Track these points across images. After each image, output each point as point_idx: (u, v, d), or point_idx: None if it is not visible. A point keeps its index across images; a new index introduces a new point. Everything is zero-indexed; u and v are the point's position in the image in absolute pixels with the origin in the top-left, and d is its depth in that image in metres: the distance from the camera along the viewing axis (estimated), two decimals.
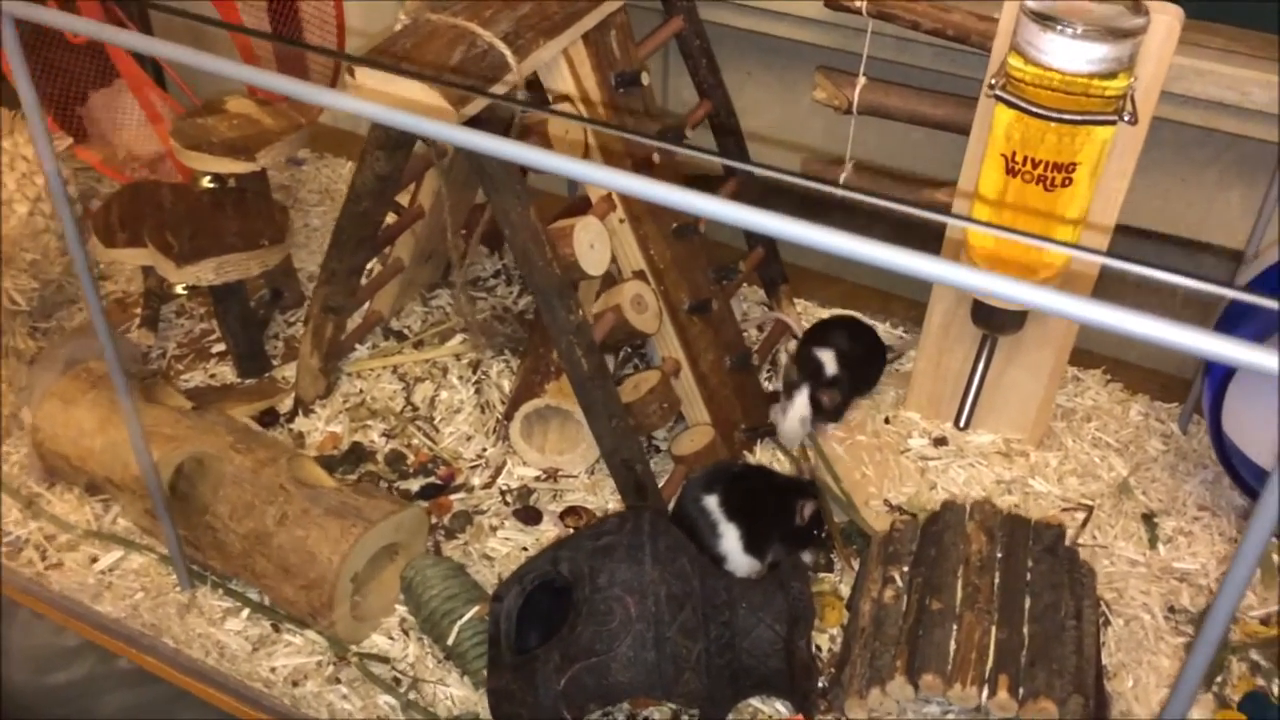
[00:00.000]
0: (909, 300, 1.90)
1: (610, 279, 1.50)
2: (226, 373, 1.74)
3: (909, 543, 1.36)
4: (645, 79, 1.42)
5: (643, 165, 1.44)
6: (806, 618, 1.18)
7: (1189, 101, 1.55)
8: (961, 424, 1.51)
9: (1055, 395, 1.59)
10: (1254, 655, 1.33)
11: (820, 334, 1.65)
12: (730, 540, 1.36)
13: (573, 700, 1.13)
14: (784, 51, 1.87)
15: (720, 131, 1.68)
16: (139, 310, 1.79)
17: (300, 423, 1.65)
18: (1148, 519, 1.53)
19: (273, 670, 1.31)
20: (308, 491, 1.34)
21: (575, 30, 1.34)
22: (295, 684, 1.30)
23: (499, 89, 1.24)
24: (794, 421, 1.56)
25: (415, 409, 1.68)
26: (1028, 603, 1.24)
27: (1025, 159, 1.27)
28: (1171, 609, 1.40)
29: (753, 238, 1.77)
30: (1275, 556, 1.47)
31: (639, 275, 1.48)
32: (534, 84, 1.39)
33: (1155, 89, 1.29)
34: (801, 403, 1.56)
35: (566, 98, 1.37)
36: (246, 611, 1.36)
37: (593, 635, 1.12)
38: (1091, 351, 1.86)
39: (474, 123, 1.23)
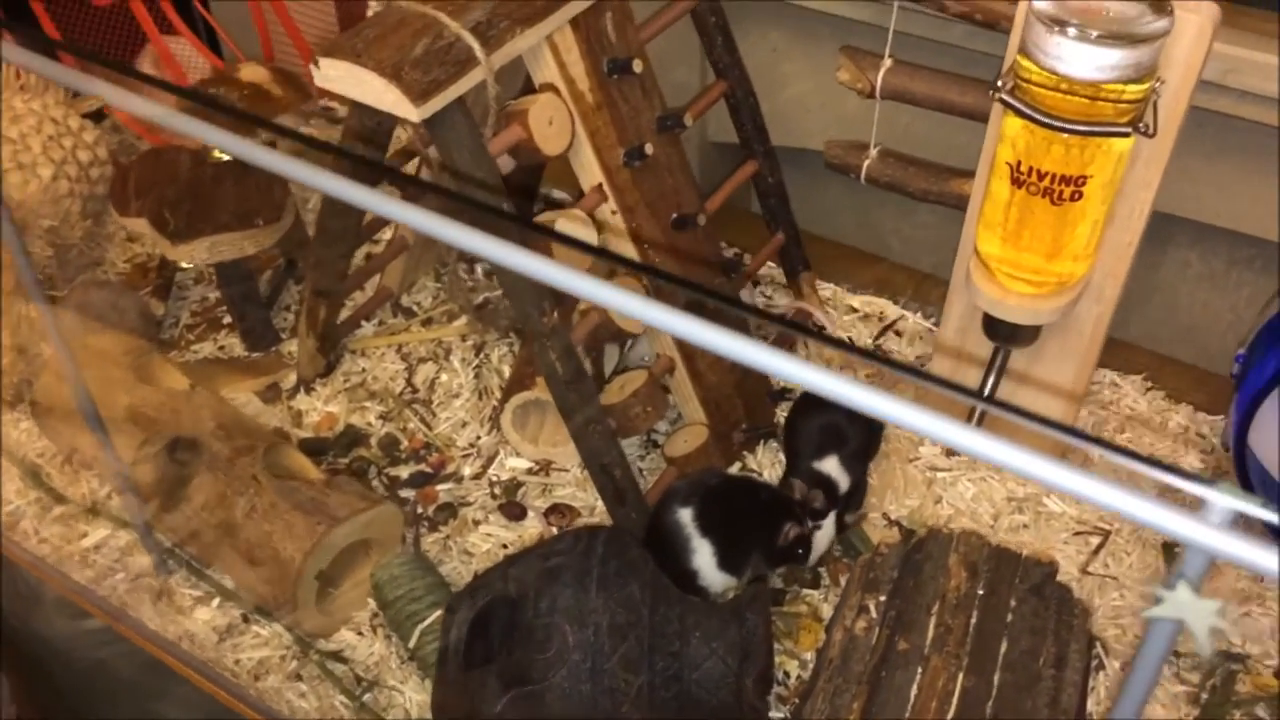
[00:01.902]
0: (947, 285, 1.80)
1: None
2: (236, 345, 1.73)
3: (891, 569, 1.29)
4: (638, 66, 1.34)
5: (636, 155, 1.37)
6: (757, 655, 1.13)
7: (1247, 97, 1.41)
8: None
9: (1078, 407, 1.48)
10: (1260, 712, 1.24)
11: (812, 436, 1.44)
12: (703, 556, 1.31)
13: None
14: (816, 23, 1.75)
15: (738, 111, 1.59)
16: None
17: (301, 400, 1.64)
18: (1169, 547, 1.43)
19: (237, 662, 1.31)
20: (279, 485, 1.33)
21: (561, 15, 1.26)
22: (258, 678, 1.30)
23: (467, 81, 1.18)
24: (824, 547, 1.39)
25: (415, 391, 1.66)
26: (1004, 647, 1.17)
27: (1030, 169, 1.16)
28: (1176, 652, 1.30)
29: (774, 221, 1.69)
30: None
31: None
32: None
33: (1184, 94, 1.16)
34: (828, 531, 1.38)
35: (551, 87, 1.30)
36: (217, 601, 1.37)
37: (529, 662, 1.09)
38: (1137, 346, 1.74)
39: (442, 116, 1.17)
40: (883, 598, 1.26)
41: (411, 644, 1.28)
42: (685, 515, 1.31)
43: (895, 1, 1.45)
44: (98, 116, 2.08)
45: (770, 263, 1.78)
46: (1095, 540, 1.44)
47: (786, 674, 1.28)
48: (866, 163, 1.56)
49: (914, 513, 1.47)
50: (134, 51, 2.13)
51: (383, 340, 1.72)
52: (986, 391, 1.40)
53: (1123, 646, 1.31)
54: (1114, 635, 1.32)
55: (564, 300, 1.54)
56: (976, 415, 1.35)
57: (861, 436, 1.45)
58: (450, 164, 1.21)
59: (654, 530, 1.34)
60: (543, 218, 1.31)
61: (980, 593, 1.22)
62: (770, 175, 1.64)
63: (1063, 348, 1.41)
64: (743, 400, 1.56)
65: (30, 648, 1.54)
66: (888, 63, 1.48)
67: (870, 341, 1.73)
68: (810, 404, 1.51)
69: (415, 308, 1.78)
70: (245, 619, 1.35)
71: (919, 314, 1.78)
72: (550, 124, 1.29)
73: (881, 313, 1.78)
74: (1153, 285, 1.79)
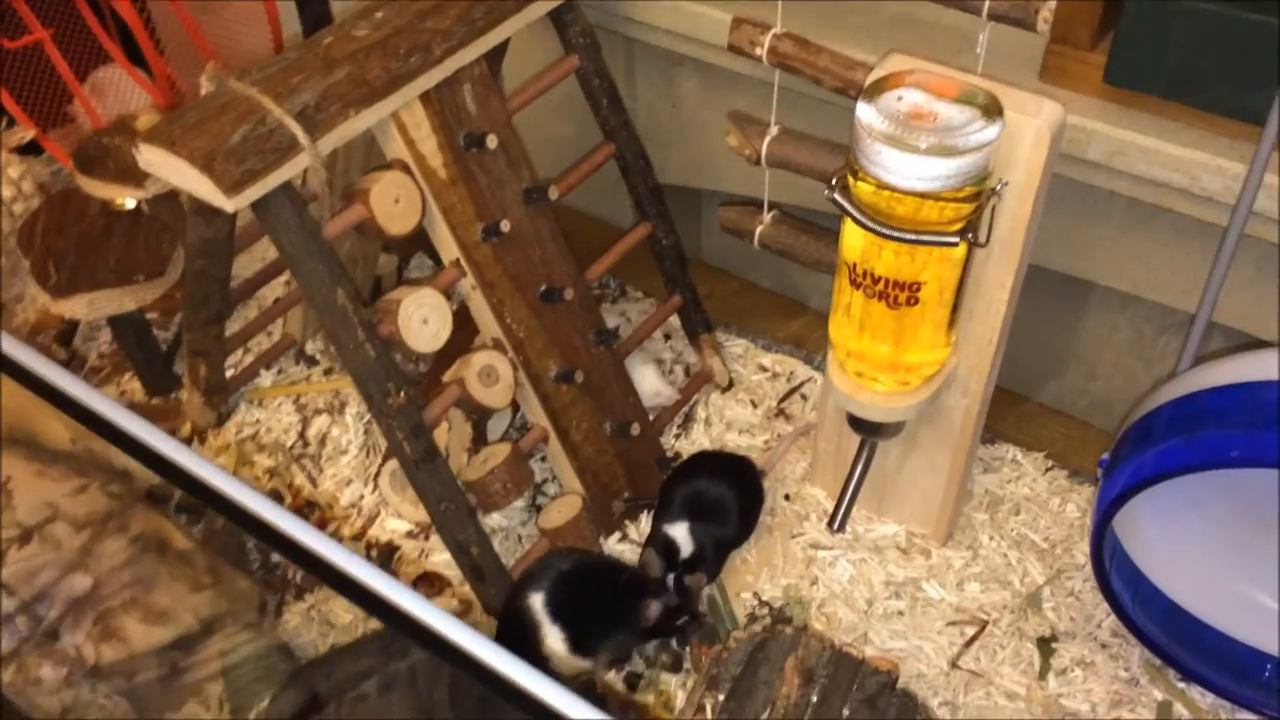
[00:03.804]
0: None
1: None
2: (139, 389, 1.74)
3: (735, 665, 1.25)
4: (492, 142, 1.31)
5: (492, 231, 1.33)
6: None
7: (1139, 181, 1.34)
8: (835, 526, 1.38)
9: (956, 493, 1.43)
10: None
11: (671, 501, 1.43)
12: (554, 641, 1.29)
13: None
14: (735, 77, 1.70)
15: (628, 174, 1.55)
16: None
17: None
18: (1043, 643, 1.38)
19: None
20: (130, 556, 1.33)
21: (403, 94, 1.23)
22: None
23: (288, 169, 1.15)
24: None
25: (306, 444, 1.65)
26: None
27: (865, 273, 1.11)
28: None
29: (670, 283, 1.65)
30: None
31: (496, 344, 1.39)
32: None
33: (1029, 195, 1.10)
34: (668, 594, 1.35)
35: (401, 163, 1.27)
36: (65, 671, 1.37)
37: None
38: (1056, 411, 1.68)
39: (266, 202, 1.15)
40: (722, 697, 1.23)
41: None
42: (536, 600, 1.29)
43: (778, 69, 1.40)
44: (33, 149, 2.08)
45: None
46: (971, 630, 1.40)
47: None
48: (759, 229, 1.51)
49: (787, 591, 1.44)
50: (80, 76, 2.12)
51: (280, 391, 1.71)
52: (854, 480, 1.35)
53: None
54: None
55: (421, 380, 1.52)
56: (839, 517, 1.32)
57: (725, 513, 1.42)
58: (279, 248, 1.19)
59: (506, 615, 1.33)
60: (389, 295, 1.28)
61: (813, 700, 1.18)
62: (665, 238, 1.59)
63: (935, 437, 1.36)
64: (626, 469, 1.53)
65: None
66: (773, 131, 1.43)
67: (774, 404, 1.68)
68: (684, 472, 1.48)
69: (319, 355, 1.77)
70: (92, 690, 1.35)
71: None
72: (396, 202, 1.26)
73: (792, 372, 1.73)
74: (1073, 349, 1.73)
